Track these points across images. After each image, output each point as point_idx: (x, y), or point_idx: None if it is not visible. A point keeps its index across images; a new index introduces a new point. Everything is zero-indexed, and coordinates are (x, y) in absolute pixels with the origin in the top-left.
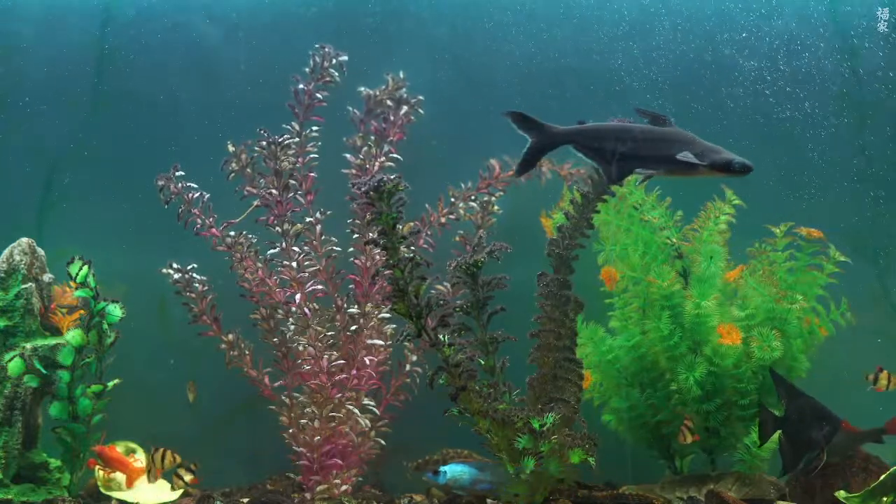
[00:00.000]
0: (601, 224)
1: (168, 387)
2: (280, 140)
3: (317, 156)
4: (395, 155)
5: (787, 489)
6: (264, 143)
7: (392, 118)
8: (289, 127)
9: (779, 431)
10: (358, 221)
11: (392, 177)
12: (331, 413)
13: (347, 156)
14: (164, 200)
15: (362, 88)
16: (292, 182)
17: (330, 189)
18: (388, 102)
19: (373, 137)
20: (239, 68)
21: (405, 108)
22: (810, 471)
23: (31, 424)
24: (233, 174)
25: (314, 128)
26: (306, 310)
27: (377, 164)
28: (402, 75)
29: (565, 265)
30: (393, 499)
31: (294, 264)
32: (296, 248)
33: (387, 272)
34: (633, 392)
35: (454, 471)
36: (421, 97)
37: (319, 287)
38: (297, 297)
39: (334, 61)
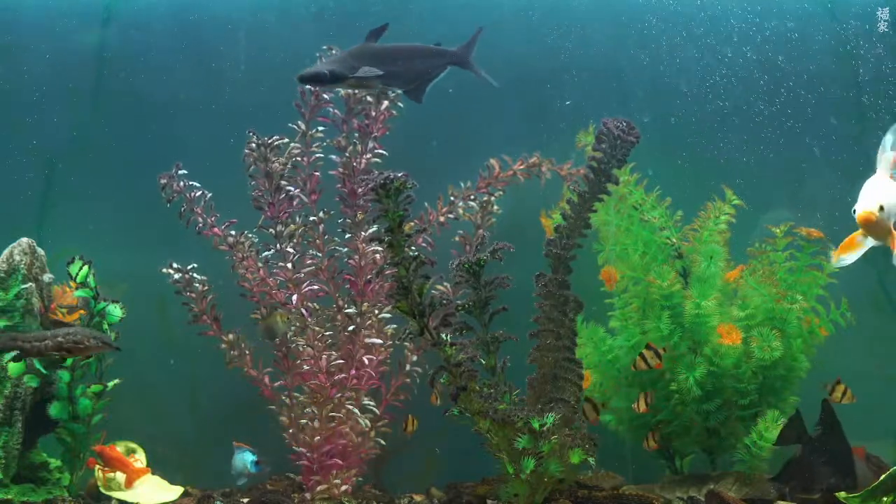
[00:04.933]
0: (601, 224)
1: (168, 387)
2: (270, 141)
3: (321, 155)
4: (380, 151)
5: (787, 489)
6: (253, 144)
7: (373, 114)
8: (293, 126)
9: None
10: (349, 221)
11: (399, 174)
12: (331, 413)
13: (333, 157)
14: (166, 199)
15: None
16: (283, 183)
17: (329, 189)
18: (368, 99)
19: (356, 135)
20: (239, 68)
21: (385, 102)
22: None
23: (30, 425)
24: (252, 166)
25: (320, 128)
26: (303, 310)
27: (363, 160)
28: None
29: (563, 265)
30: (393, 499)
31: (289, 265)
32: (290, 250)
33: (387, 272)
34: (633, 392)
35: None
36: (399, 91)
37: (315, 287)
38: (294, 297)
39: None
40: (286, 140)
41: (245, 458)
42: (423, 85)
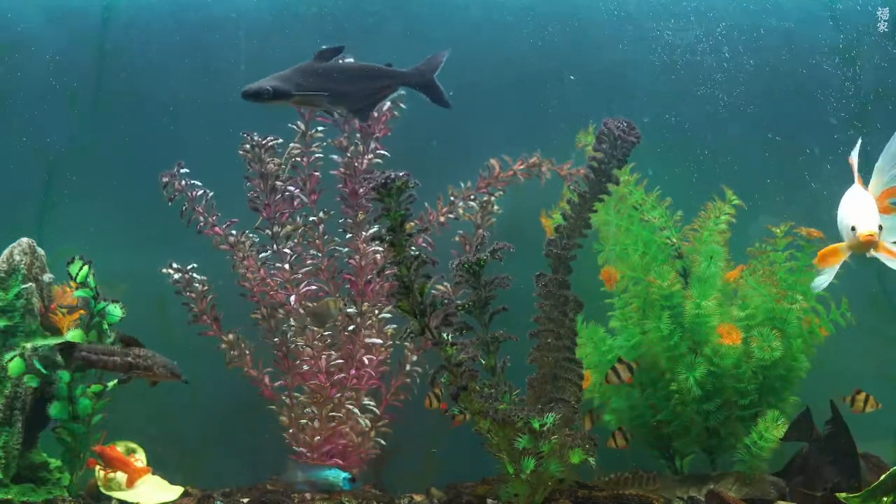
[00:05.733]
0: (601, 224)
1: (168, 387)
2: (264, 142)
3: (321, 155)
4: (382, 151)
5: (788, 489)
6: (248, 145)
7: (375, 115)
8: (293, 126)
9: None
10: (350, 221)
11: (401, 174)
12: (331, 413)
13: (335, 157)
14: (167, 197)
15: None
16: (279, 183)
17: (329, 189)
18: None
19: (358, 135)
20: (239, 68)
21: (388, 103)
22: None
23: (31, 424)
24: (250, 170)
25: (319, 128)
26: (301, 311)
27: (365, 161)
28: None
29: (564, 265)
30: (393, 499)
31: (286, 266)
32: (287, 251)
33: (387, 272)
34: (633, 392)
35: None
36: (402, 91)
37: (313, 287)
38: (292, 298)
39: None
40: (280, 140)
41: (336, 476)
42: (370, 105)
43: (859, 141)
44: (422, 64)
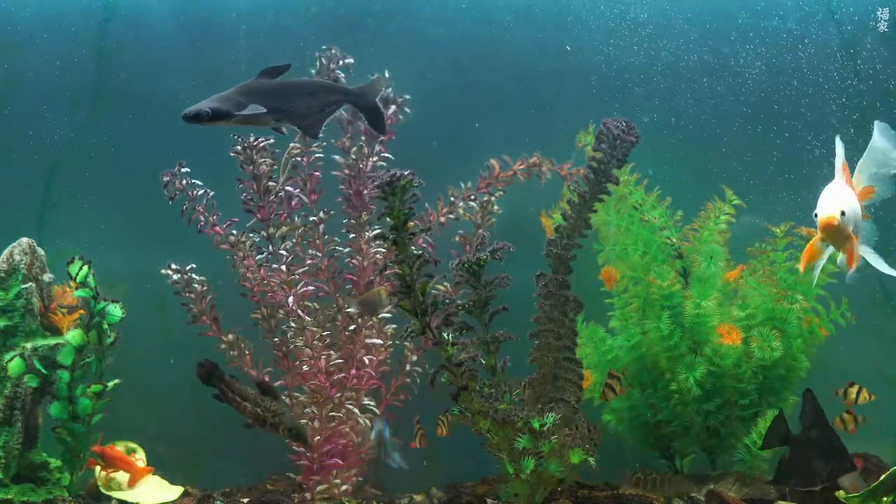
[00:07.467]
0: (601, 224)
1: (168, 387)
2: (255, 143)
3: (321, 155)
4: (386, 154)
5: (787, 489)
6: (239, 147)
7: (391, 126)
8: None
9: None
10: (353, 221)
11: (406, 172)
12: (331, 413)
13: (337, 157)
14: (168, 196)
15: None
16: (271, 184)
17: (330, 189)
18: None
19: (363, 138)
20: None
21: (393, 107)
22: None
23: (31, 424)
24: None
25: None
26: (300, 311)
27: (370, 163)
28: (387, 74)
29: (564, 265)
30: (393, 499)
31: (283, 267)
32: (283, 252)
33: (388, 271)
34: (634, 392)
35: None
36: (408, 96)
37: (310, 288)
38: (290, 299)
39: (340, 63)
40: (272, 140)
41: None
42: (319, 120)
43: (841, 144)
44: (365, 85)
